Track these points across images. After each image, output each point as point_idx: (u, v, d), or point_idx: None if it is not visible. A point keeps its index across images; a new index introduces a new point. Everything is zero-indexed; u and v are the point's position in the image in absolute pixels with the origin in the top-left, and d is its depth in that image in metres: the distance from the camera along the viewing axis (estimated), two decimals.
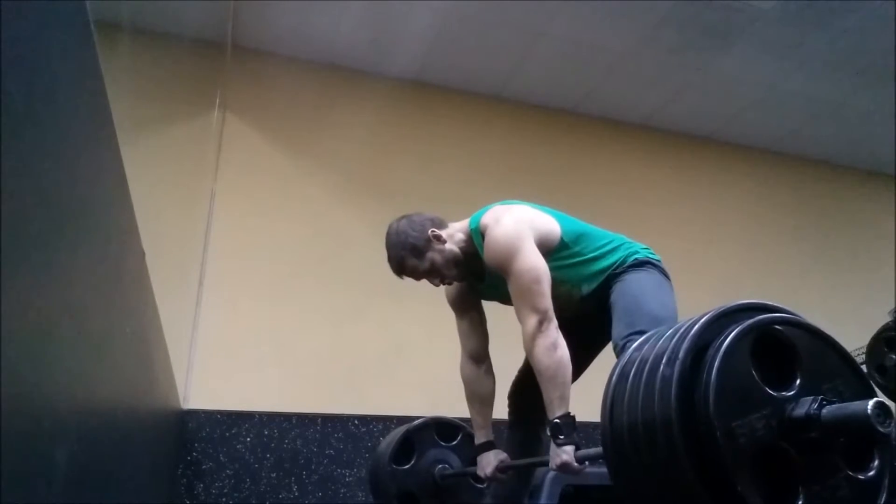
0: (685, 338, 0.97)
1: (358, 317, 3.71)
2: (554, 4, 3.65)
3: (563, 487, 2.69)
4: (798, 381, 0.95)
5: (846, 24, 3.77)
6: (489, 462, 2.00)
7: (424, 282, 2.04)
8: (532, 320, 1.75)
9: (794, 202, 5.04)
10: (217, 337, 3.44)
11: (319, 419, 3.43)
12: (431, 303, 3.88)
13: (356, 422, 3.48)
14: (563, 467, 1.66)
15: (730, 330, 0.95)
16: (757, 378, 0.94)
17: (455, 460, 2.38)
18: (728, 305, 1.02)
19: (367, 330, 3.69)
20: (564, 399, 1.70)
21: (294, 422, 3.39)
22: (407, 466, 2.34)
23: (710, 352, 0.94)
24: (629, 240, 2.06)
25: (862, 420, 0.87)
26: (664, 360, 0.97)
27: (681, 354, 0.95)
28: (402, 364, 3.65)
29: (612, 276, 1.94)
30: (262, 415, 3.35)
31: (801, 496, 0.89)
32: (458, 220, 2.11)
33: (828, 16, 3.72)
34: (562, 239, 1.94)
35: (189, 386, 3.31)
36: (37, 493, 0.74)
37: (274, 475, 3.28)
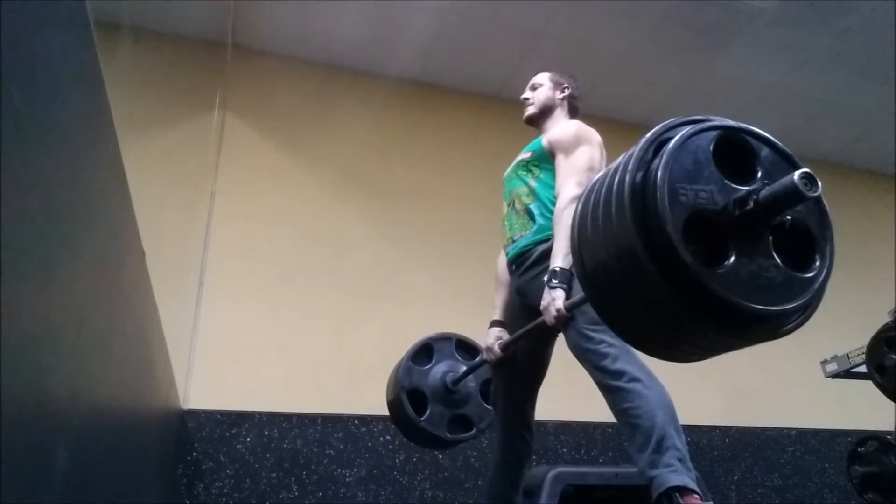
0: (648, 132, 1.03)
1: (358, 317, 3.71)
2: (554, 4, 3.65)
3: (564, 487, 2.69)
4: (753, 184, 0.99)
5: (846, 24, 3.77)
6: (491, 335, 2.19)
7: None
8: (574, 191, 1.98)
9: None
10: (217, 337, 3.44)
11: (319, 419, 3.43)
12: (431, 303, 3.90)
13: (356, 422, 3.48)
14: (549, 307, 1.83)
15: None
16: (713, 162, 0.98)
17: (470, 376, 2.44)
18: (696, 117, 1.07)
19: (367, 330, 3.69)
20: (569, 256, 1.85)
21: (294, 422, 3.39)
22: (424, 368, 2.45)
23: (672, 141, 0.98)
24: None
25: (790, 187, 0.92)
26: (629, 153, 1.03)
27: (642, 142, 1.01)
28: None
29: None
30: (262, 415, 3.35)
31: (730, 259, 0.94)
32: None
33: (828, 16, 3.72)
34: None
35: (189, 386, 3.31)
36: (37, 492, 0.74)
37: (274, 475, 3.28)
